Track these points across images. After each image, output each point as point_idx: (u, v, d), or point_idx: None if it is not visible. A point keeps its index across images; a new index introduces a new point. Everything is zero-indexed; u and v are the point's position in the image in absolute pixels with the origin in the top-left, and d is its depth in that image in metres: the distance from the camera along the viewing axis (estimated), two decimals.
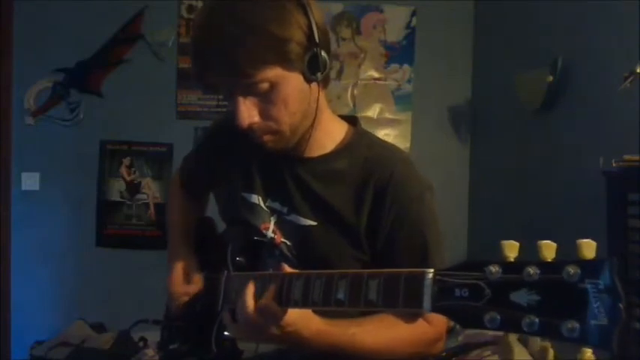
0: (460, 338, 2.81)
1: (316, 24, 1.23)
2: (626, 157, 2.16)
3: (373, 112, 3.92)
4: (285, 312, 1.08)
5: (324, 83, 1.32)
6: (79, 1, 3.83)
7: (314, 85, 1.27)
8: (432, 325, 1.30)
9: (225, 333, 1.31)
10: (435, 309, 0.77)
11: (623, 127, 2.40)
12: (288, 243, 1.37)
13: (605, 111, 2.57)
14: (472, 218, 3.94)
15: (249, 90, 1.22)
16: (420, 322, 1.28)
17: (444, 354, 2.63)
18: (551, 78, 2.90)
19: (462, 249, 3.83)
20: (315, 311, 1.14)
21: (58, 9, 3.83)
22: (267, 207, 1.40)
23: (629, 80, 2.20)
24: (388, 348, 1.26)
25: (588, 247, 0.65)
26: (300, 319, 1.11)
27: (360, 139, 1.39)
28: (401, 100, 3.95)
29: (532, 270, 0.67)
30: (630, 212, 2.17)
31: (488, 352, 2.70)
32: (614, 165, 2.19)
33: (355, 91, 3.92)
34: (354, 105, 3.91)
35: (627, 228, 2.17)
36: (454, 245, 3.68)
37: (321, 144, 1.36)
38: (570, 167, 2.83)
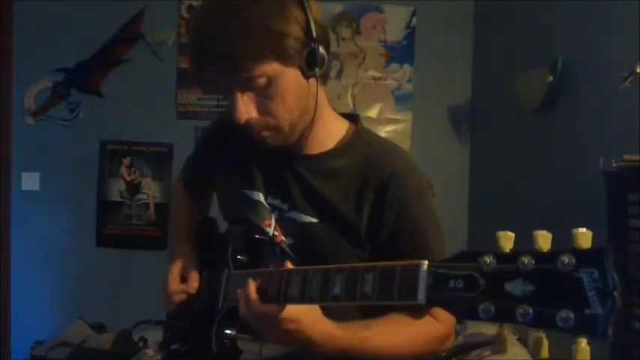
0: (460, 338, 2.80)
1: (314, 19, 1.23)
2: (626, 157, 2.16)
3: (373, 112, 3.92)
4: (281, 309, 1.08)
5: (323, 79, 1.32)
6: (79, 1, 3.84)
7: (312, 80, 1.27)
8: (441, 323, 1.29)
9: (226, 332, 1.31)
10: (430, 301, 0.77)
11: (623, 127, 2.39)
12: (289, 240, 1.36)
13: (605, 111, 2.57)
14: (472, 218, 3.93)
15: (247, 85, 1.22)
16: (429, 319, 1.27)
17: (443, 354, 2.62)
18: (551, 78, 2.90)
19: (462, 249, 3.82)
20: (325, 314, 1.13)
21: (58, 9, 3.84)
22: (268, 204, 1.39)
23: (629, 80, 2.20)
24: (401, 349, 1.25)
25: (584, 237, 0.64)
26: (305, 317, 1.10)
27: (360, 137, 1.38)
28: (401, 100, 3.95)
29: (526, 260, 0.66)
30: (630, 212, 2.16)
31: (488, 352, 2.69)
32: (614, 165, 2.19)
33: (355, 91, 3.92)
34: (354, 105, 3.91)
35: (627, 228, 2.16)
36: (454, 245, 3.65)
37: (321, 141, 1.36)
38: (570, 167, 2.83)
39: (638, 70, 2.17)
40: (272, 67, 1.20)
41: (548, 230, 0.69)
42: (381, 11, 3.93)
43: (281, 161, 1.37)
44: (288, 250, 1.36)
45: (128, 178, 3.91)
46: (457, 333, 2.79)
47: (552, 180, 2.99)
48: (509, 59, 3.53)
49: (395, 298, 0.82)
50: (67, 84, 3.85)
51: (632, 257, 2.15)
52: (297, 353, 1.26)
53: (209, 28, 1.21)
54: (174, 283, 1.46)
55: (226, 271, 1.34)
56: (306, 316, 1.11)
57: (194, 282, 1.44)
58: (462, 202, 3.95)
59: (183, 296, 1.46)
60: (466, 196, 3.97)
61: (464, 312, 0.71)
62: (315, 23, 1.23)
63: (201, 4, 1.32)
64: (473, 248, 0.71)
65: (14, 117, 3.85)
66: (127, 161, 3.90)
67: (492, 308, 0.68)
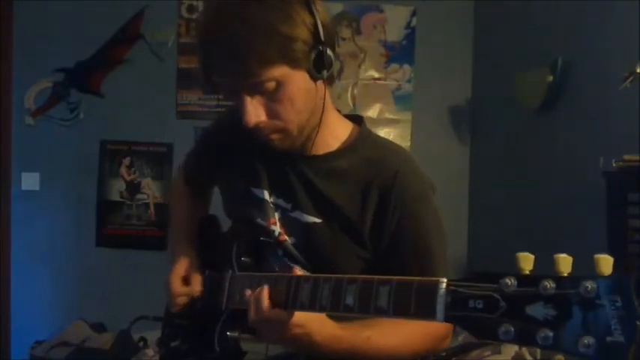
0: (460, 338, 2.81)
1: (321, 22, 1.24)
2: (626, 157, 2.17)
3: (373, 112, 3.92)
4: (290, 315, 1.09)
5: (330, 81, 1.33)
6: (79, 1, 3.83)
7: (320, 83, 1.28)
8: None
9: (229, 334, 1.31)
10: (448, 319, 0.77)
11: (623, 127, 2.40)
12: (292, 240, 1.37)
13: (605, 111, 2.58)
14: (472, 218, 3.93)
15: (256, 89, 1.23)
16: None
17: (443, 354, 2.63)
18: (551, 78, 2.90)
19: (462, 249, 3.83)
20: (328, 315, 1.14)
21: (58, 9, 3.83)
22: (272, 203, 1.40)
23: (629, 80, 2.20)
24: (402, 348, 1.26)
25: (605, 263, 0.65)
26: (312, 321, 1.11)
27: (364, 138, 1.39)
28: (401, 100, 3.95)
29: (548, 284, 0.66)
30: (630, 212, 2.17)
31: (488, 352, 2.70)
32: (614, 165, 2.19)
33: (355, 91, 3.93)
34: (354, 105, 3.91)
35: (627, 228, 2.16)
36: (454, 245, 3.68)
37: (326, 142, 1.37)
38: (570, 167, 2.83)
39: (638, 70, 2.17)
40: (281, 72, 1.21)
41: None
42: (381, 11, 3.93)
43: (285, 161, 1.38)
44: (293, 249, 1.36)
45: (128, 178, 3.90)
46: (457, 333, 2.80)
47: (552, 180, 3.00)
48: (509, 59, 3.53)
49: (412, 314, 0.82)
50: (67, 84, 3.84)
51: (632, 257, 2.15)
52: (301, 354, 1.27)
53: (219, 32, 1.21)
54: (177, 285, 1.46)
55: (230, 272, 1.34)
56: (312, 320, 1.11)
57: (198, 285, 1.44)
58: (462, 202, 3.95)
59: (186, 299, 1.46)
60: (466, 196, 3.97)
61: (484, 333, 0.71)
62: (322, 25, 1.24)
63: (208, 6, 1.31)
64: (476, 258, 0.71)
65: (14, 117, 3.84)
66: (127, 161, 3.90)
67: (513, 330, 0.68)
